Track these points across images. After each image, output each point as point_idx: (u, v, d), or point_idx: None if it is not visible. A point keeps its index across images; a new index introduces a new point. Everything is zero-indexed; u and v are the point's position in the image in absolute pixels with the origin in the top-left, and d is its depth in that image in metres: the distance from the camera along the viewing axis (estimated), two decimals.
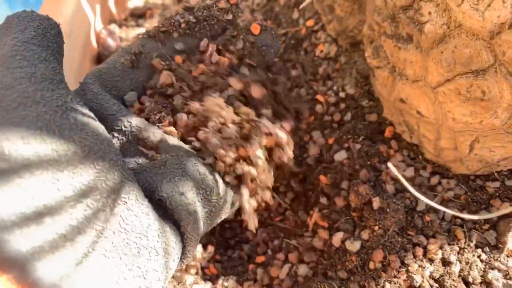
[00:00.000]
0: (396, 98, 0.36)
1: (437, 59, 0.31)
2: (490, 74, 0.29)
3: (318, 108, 0.45)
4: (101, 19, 0.58)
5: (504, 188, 0.35)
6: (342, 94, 0.45)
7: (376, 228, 0.34)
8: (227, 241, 0.42)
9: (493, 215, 0.30)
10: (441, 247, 0.34)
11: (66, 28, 0.49)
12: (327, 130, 0.43)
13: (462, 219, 0.36)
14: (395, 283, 0.33)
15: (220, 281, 0.37)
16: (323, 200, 0.39)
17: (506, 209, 0.30)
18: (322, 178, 0.39)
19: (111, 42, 0.57)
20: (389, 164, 0.27)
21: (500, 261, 0.33)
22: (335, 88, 0.46)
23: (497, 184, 0.35)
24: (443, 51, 0.30)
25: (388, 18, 0.34)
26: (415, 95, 0.34)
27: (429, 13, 0.30)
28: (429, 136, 0.36)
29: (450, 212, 0.29)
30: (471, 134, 0.32)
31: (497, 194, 0.35)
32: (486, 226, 0.35)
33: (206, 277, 0.39)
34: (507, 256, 0.33)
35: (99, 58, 0.57)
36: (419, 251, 0.34)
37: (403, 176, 0.38)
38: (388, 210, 0.34)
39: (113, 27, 0.59)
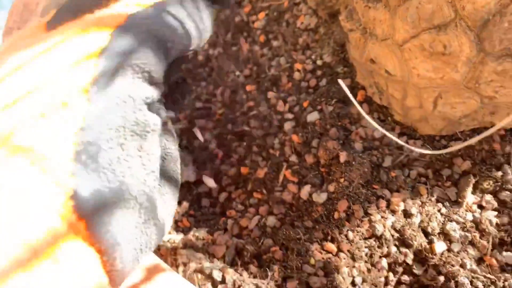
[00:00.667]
0: (367, 58, 0.38)
1: (403, 16, 0.32)
2: (451, 29, 0.31)
3: (296, 75, 0.46)
4: None
5: (466, 148, 0.37)
6: (319, 62, 0.46)
7: (342, 180, 0.36)
8: (200, 201, 0.43)
9: (445, 150, 0.31)
10: (403, 201, 0.35)
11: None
12: (303, 94, 0.44)
13: (427, 177, 0.37)
14: (357, 232, 0.34)
15: (191, 232, 0.38)
16: (294, 157, 0.40)
17: (457, 145, 0.31)
18: (294, 137, 0.40)
19: None
20: (340, 81, 0.28)
21: (458, 214, 0.35)
22: (313, 57, 0.47)
23: (459, 143, 0.37)
24: (408, 8, 0.32)
25: None
26: (383, 54, 0.36)
27: None
28: (396, 96, 0.37)
29: (400, 142, 0.30)
30: (434, 90, 0.34)
31: (459, 153, 0.37)
32: (448, 183, 0.36)
33: (178, 229, 0.40)
34: (466, 211, 0.35)
35: None
36: (383, 203, 0.35)
37: (372, 135, 0.39)
38: (354, 163, 0.36)
39: None
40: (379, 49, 0.36)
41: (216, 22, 0.56)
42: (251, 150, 0.43)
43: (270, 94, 0.46)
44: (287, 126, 0.42)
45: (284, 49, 0.50)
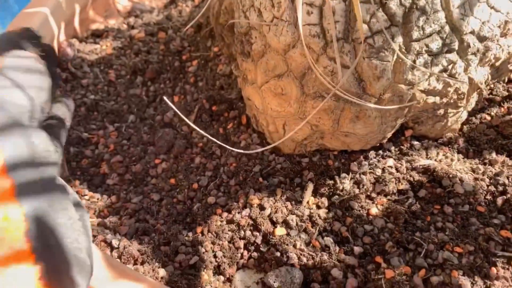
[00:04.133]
0: (246, 97, 0.52)
1: (260, 67, 0.47)
2: (285, 77, 0.45)
3: (207, 105, 0.60)
4: (65, 33, 0.75)
5: (312, 163, 0.50)
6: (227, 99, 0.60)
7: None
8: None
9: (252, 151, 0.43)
10: (261, 199, 0.48)
11: None
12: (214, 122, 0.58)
13: (285, 183, 0.50)
14: (223, 219, 0.47)
15: (108, 218, 0.50)
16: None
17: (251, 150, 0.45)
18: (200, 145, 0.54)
19: (69, 51, 0.73)
20: (164, 98, 0.42)
21: (299, 210, 0.47)
22: (225, 95, 0.62)
23: (307, 159, 0.50)
24: (262, 62, 0.46)
25: (239, 41, 0.50)
26: (253, 93, 0.50)
27: (255, 37, 0.47)
28: (264, 124, 0.51)
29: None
30: (282, 119, 0.48)
31: (307, 167, 0.50)
32: (297, 189, 0.49)
33: (99, 216, 0.52)
34: (305, 207, 0.47)
35: (59, 63, 0.72)
36: (247, 199, 0.48)
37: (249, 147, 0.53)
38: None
39: (74, 40, 0.75)
40: (251, 90, 0.50)
41: (162, 65, 0.71)
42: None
43: None
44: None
45: (205, 89, 0.64)
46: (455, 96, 0.45)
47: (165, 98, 0.39)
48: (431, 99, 0.45)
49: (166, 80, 0.69)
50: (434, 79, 0.43)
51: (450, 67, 0.43)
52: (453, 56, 0.43)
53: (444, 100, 0.45)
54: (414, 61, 0.41)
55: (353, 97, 0.39)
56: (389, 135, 0.48)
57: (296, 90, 0.45)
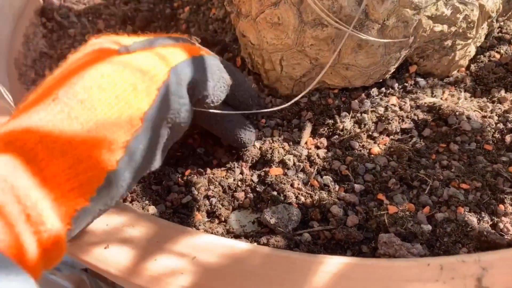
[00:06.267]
0: (240, 33, 0.49)
1: None
2: (282, 5, 0.42)
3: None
4: None
5: (310, 103, 0.47)
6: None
7: None
8: None
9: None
10: (259, 139, 0.45)
11: None
12: None
13: (282, 125, 0.47)
14: (218, 159, 0.44)
15: None
16: None
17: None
18: None
19: (54, 0, 0.69)
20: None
21: (297, 150, 0.44)
22: (218, 38, 0.58)
23: (305, 99, 0.47)
24: None
25: None
26: (247, 28, 0.47)
27: None
28: (259, 62, 0.48)
29: None
30: (278, 54, 0.45)
31: (305, 107, 0.47)
32: (295, 130, 0.47)
33: None
34: (303, 148, 0.45)
35: (43, 11, 0.69)
36: None
37: None
38: None
39: None
40: (245, 25, 0.47)
41: (153, 13, 0.68)
42: None
43: None
44: None
45: (197, 34, 0.61)
46: (464, 25, 0.42)
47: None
48: (438, 27, 0.41)
49: (157, 29, 0.65)
50: (442, 3, 0.40)
51: None
52: None
53: (453, 29, 0.42)
54: None
55: (355, 31, 0.36)
56: (392, 68, 0.45)
57: (293, 18, 0.41)
